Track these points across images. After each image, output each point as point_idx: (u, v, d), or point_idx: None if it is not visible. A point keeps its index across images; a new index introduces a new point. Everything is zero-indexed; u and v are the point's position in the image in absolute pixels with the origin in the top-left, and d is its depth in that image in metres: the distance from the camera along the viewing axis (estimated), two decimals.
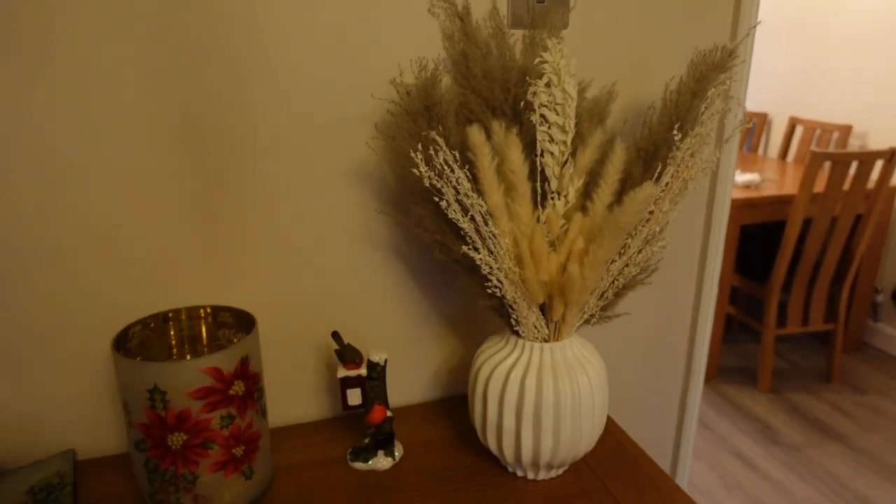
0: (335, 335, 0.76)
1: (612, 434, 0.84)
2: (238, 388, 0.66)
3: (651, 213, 0.68)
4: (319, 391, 0.89)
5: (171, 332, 0.75)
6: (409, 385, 0.92)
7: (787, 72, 3.13)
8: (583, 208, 0.70)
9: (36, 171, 0.71)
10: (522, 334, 0.72)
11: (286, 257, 0.82)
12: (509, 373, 0.71)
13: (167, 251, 0.77)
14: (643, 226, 0.68)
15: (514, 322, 0.71)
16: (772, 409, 2.27)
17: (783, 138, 3.08)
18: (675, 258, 1.00)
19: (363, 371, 0.75)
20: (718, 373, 2.51)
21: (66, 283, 0.75)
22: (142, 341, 0.71)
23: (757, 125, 3.28)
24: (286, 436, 0.84)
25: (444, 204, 0.66)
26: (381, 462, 0.77)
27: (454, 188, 0.66)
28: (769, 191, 2.30)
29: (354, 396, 0.76)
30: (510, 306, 0.70)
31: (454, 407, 0.91)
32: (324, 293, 0.85)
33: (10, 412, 0.77)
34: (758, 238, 2.85)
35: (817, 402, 2.30)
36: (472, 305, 0.92)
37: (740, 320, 2.54)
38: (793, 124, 3.04)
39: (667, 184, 0.68)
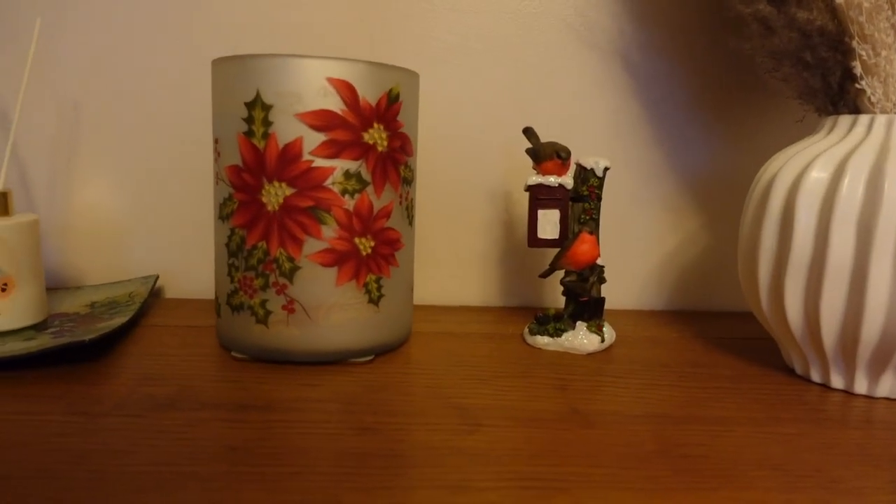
0: (528, 131, 0.50)
1: None
2: (378, 136, 0.42)
3: None
4: (484, 267, 0.62)
5: None
6: (616, 285, 0.62)
7: None
8: None
9: None
10: (872, 101, 0.41)
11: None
12: (842, 167, 0.39)
13: None
14: None
15: (857, 84, 0.40)
16: None
17: None
18: None
19: (568, 181, 0.47)
20: None
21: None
22: None
23: None
24: (431, 312, 0.58)
25: None
26: (583, 340, 0.47)
27: None
28: None
29: (549, 222, 0.48)
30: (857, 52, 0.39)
31: (684, 319, 0.58)
32: (510, 101, 0.59)
33: (105, 230, 0.60)
34: None
35: None
36: (731, 162, 0.61)
37: None
38: None
39: None
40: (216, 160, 0.43)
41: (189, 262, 0.60)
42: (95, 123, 0.58)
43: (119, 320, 0.47)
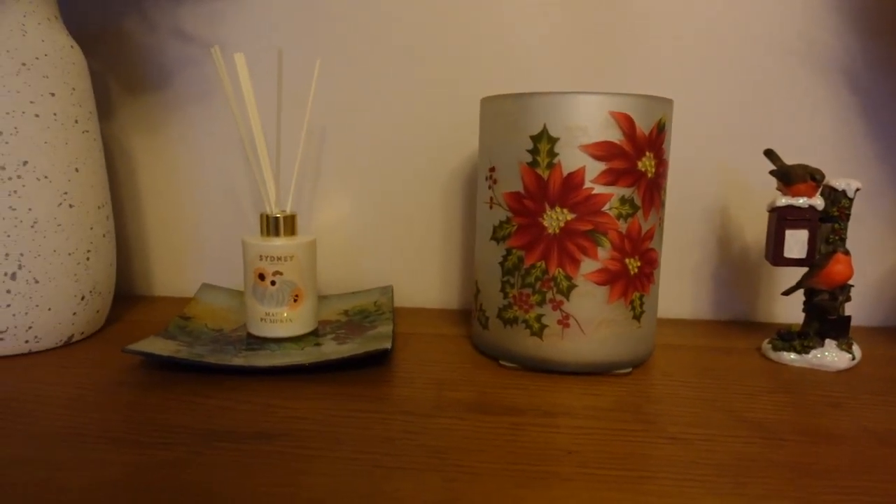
0: (770, 153, 0.51)
1: None
2: (648, 163, 0.45)
3: None
4: (696, 281, 0.63)
5: None
6: None
7: None
8: None
9: None
10: None
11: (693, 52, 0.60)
12: None
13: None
14: None
15: None
16: None
17: None
18: None
19: (819, 202, 0.49)
20: None
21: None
22: None
23: None
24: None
25: None
26: (833, 357, 0.48)
27: None
28: None
29: (797, 242, 0.49)
30: None
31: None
32: (730, 120, 0.61)
33: (339, 242, 0.66)
34: None
35: None
36: None
37: None
38: None
39: None
40: (490, 187, 0.48)
41: (411, 274, 0.66)
42: (337, 148, 0.64)
43: (387, 328, 0.52)
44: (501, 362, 0.48)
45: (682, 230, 0.63)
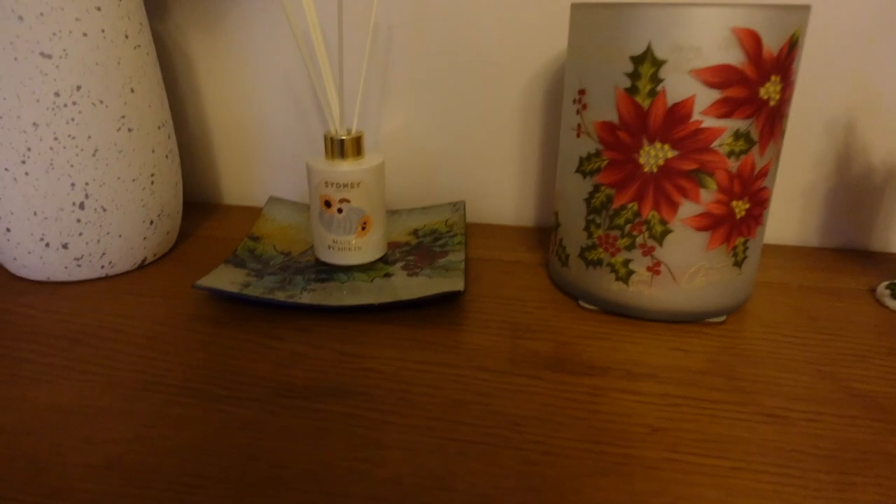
0: None
1: None
2: (772, 90, 0.37)
3: None
4: (805, 205, 0.57)
5: None
6: None
7: None
8: None
9: None
10: None
11: None
12: None
13: None
14: None
15: None
16: None
17: None
18: None
19: None
20: None
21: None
22: None
23: None
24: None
25: None
26: None
27: None
28: None
29: None
30: None
31: None
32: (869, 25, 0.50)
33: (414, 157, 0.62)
34: None
35: None
36: None
37: None
38: None
39: None
40: (579, 112, 0.42)
41: (486, 189, 0.62)
42: (406, 52, 0.58)
43: (458, 256, 0.50)
44: (581, 303, 0.45)
45: (797, 147, 0.55)
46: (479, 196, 0.62)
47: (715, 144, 0.38)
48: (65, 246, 0.46)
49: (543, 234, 0.59)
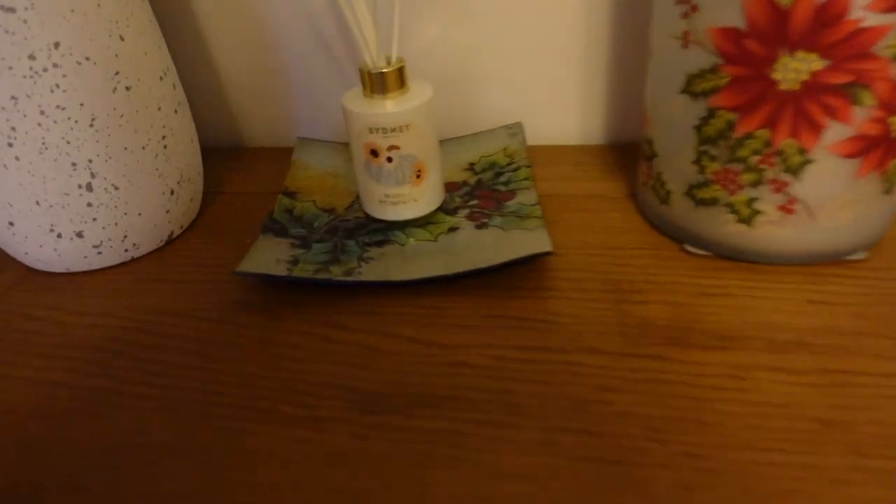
0: None
1: None
2: None
3: None
4: None
5: None
6: None
7: None
8: None
9: None
10: None
11: None
12: None
13: None
14: None
15: None
16: None
17: None
18: None
19: None
20: None
21: None
22: None
23: None
24: None
25: None
26: None
27: None
28: None
29: None
30: None
31: None
32: None
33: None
34: None
35: None
36: None
37: None
38: None
39: None
40: (686, 15, 0.33)
41: (543, 105, 0.53)
42: None
43: (530, 197, 0.43)
44: (687, 247, 0.38)
45: None
46: (536, 114, 0.54)
47: (876, 48, 0.29)
48: (79, 234, 0.40)
49: (618, 154, 0.51)
